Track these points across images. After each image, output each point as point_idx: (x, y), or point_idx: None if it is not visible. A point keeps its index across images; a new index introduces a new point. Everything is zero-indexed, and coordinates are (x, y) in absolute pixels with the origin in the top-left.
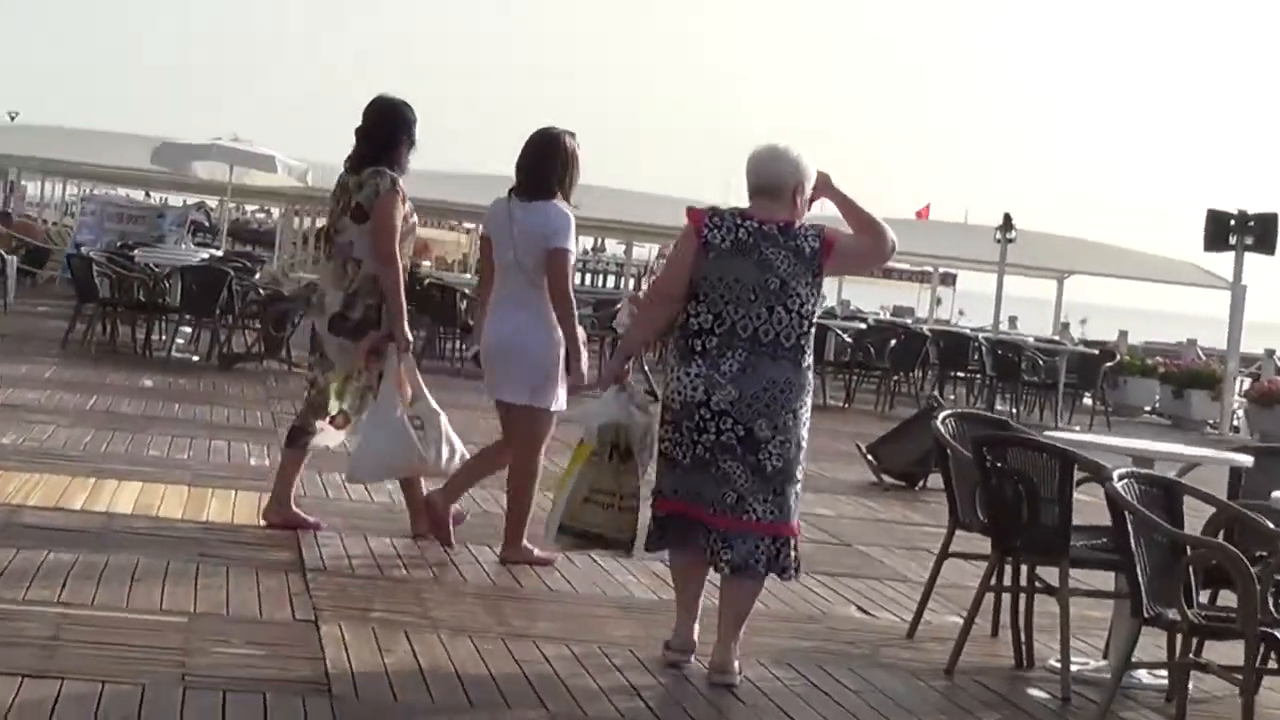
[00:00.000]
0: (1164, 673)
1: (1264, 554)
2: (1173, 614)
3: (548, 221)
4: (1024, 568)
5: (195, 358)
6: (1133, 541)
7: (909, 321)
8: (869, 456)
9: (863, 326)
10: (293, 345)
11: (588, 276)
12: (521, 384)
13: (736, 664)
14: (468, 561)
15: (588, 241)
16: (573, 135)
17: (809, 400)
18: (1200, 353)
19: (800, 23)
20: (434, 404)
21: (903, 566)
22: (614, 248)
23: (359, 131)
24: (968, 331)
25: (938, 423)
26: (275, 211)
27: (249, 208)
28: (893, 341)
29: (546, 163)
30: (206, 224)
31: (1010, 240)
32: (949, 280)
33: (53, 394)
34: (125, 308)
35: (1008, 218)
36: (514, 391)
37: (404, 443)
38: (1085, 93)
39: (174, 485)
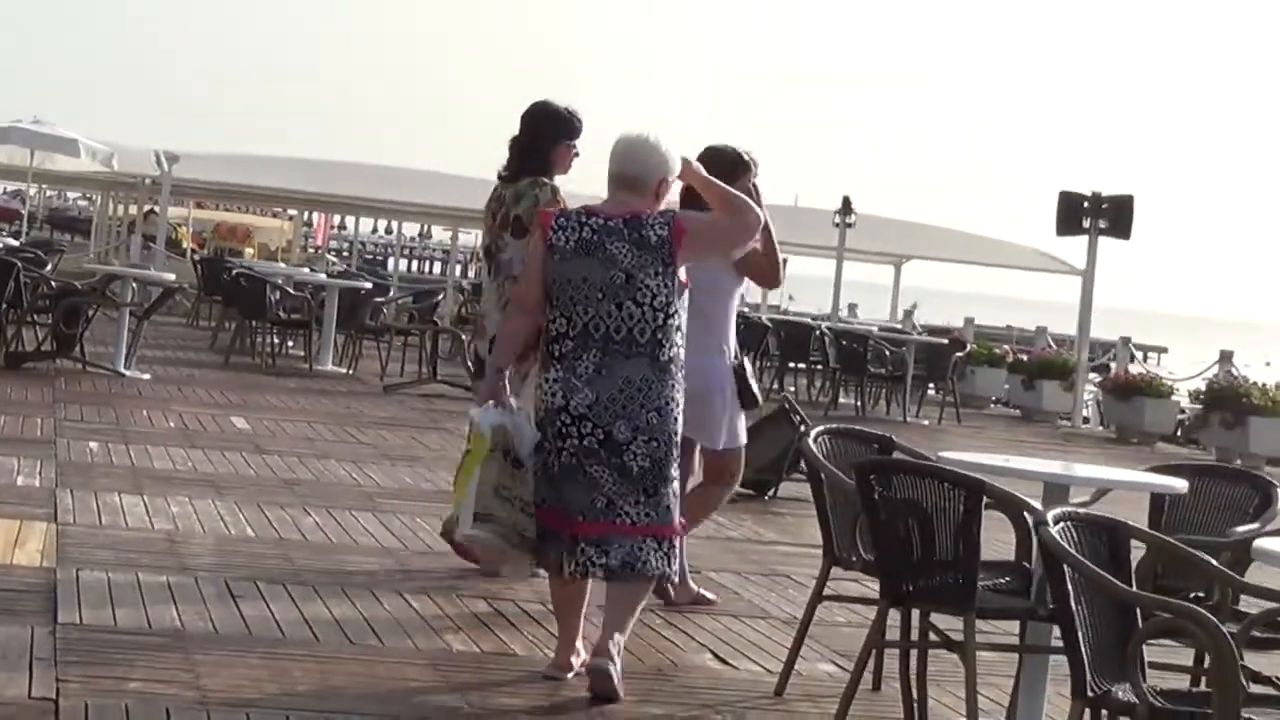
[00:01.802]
0: None
1: (1199, 594)
2: (1123, 693)
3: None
4: (914, 613)
5: None
6: (1073, 603)
7: (746, 310)
8: None
9: None
10: (87, 341)
11: (414, 264)
12: (699, 427)
13: (615, 653)
14: (251, 603)
15: (412, 229)
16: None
17: (678, 396)
18: (1050, 340)
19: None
20: None
21: (761, 599)
22: (440, 234)
23: (513, 141)
24: (809, 321)
25: (810, 443)
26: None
27: (70, 194)
28: None
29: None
30: (23, 211)
31: (850, 224)
32: None
33: None
34: None
35: (847, 201)
36: (694, 434)
37: None
38: (924, 75)
39: None
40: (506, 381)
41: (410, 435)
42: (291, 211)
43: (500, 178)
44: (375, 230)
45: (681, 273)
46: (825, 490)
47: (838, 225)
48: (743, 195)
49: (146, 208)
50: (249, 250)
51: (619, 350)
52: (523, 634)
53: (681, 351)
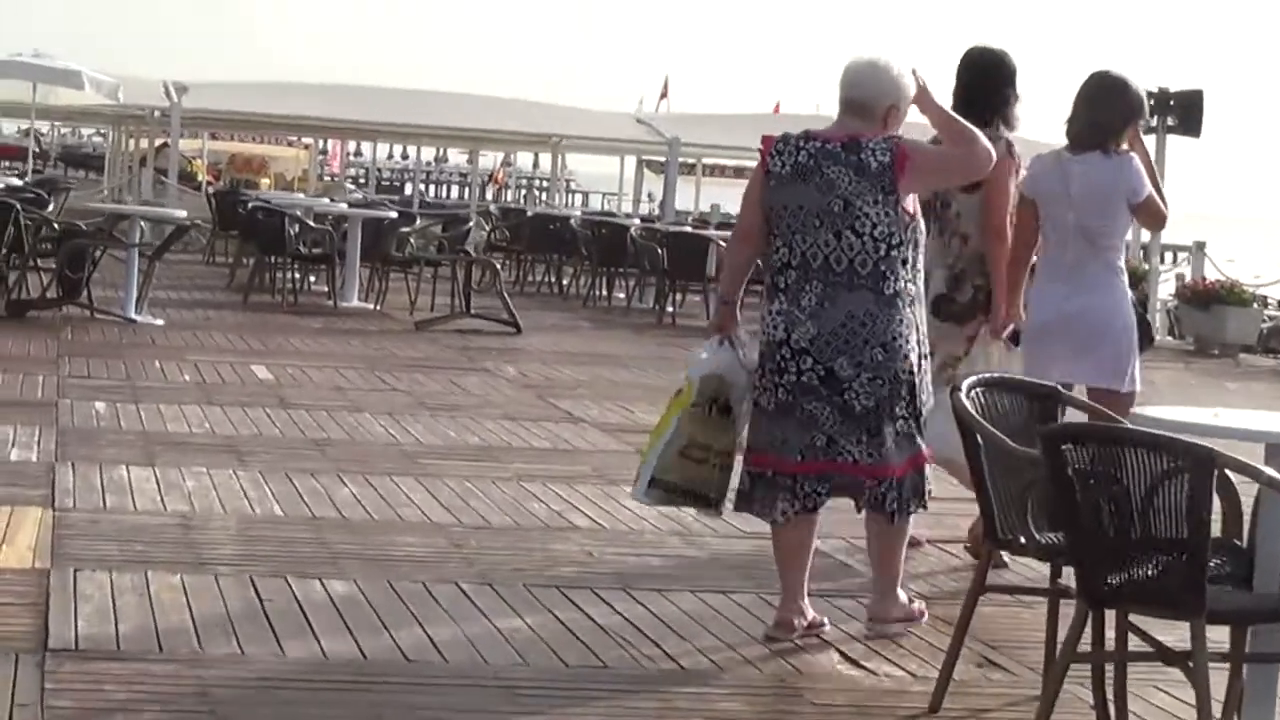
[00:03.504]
0: None
1: None
2: None
3: (1123, 178)
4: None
5: None
6: None
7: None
8: None
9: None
10: (95, 285)
11: (431, 188)
12: (1101, 364)
13: (894, 611)
14: (283, 610)
15: (428, 153)
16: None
17: (907, 330)
18: None
19: None
20: None
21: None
22: (455, 157)
23: (959, 89)
24: None
25: (963, 398)
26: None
27: (85, 131)
28: None
29: (1106, 111)
30: (37, 149)
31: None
32: None
33: None
34: None
35: None
36: (1092, 373)
37: None
38: None
39: None
40: (736, 313)
41: (448, 379)
42: (307, 140)
43: None
44: (390, 155)
45: (908, 202)
46: (984, 457)
47: None
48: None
49: (159, 141)
50: (265, 181)
51: (840, 282)
52: (613, 638)
53: (910, 286)
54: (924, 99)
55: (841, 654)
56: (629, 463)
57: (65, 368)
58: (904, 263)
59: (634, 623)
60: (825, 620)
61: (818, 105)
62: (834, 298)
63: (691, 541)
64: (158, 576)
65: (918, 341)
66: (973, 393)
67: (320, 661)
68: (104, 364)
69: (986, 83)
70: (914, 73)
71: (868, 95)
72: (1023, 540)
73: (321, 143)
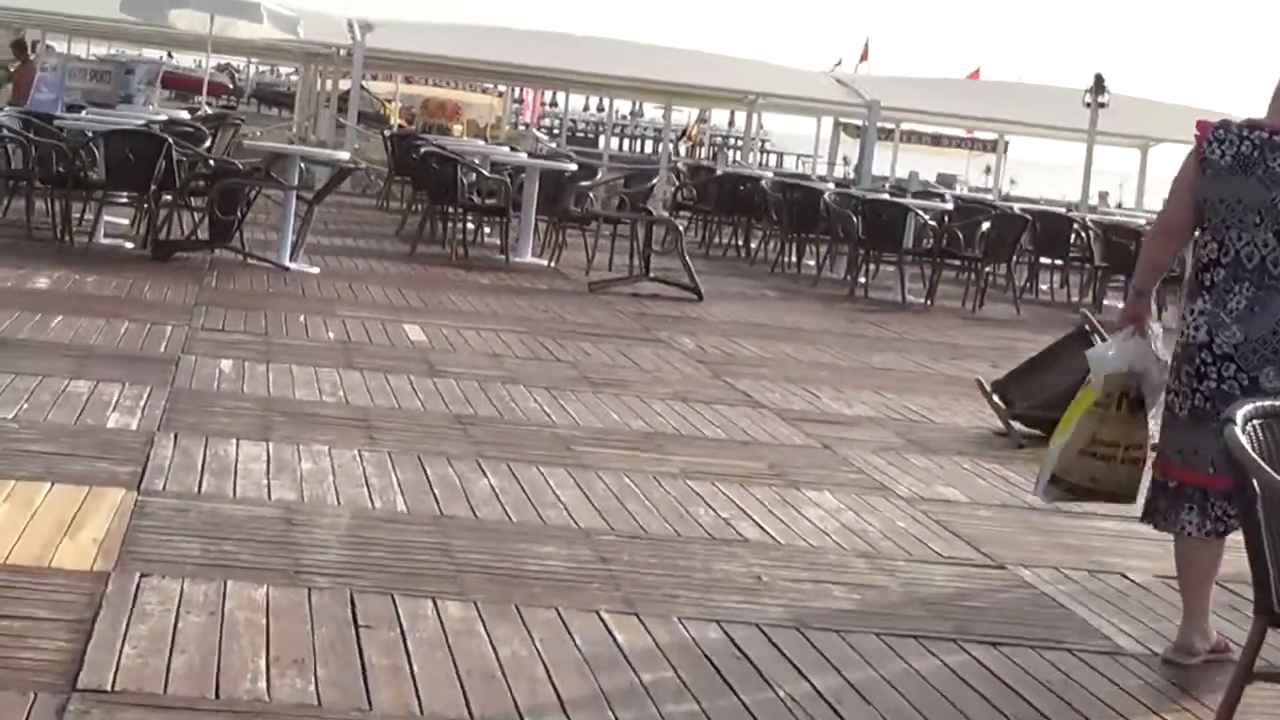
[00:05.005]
0: None
1: None
2: None
3: None
4: None
5: (129, 244)
6: None
7: (992, 198)
8: (995, 397)
9: (947, 207)
10: (259, 228)
11: (625, 142)
12: None
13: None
14: (380, 643)
15: (624, 106)
16: None
17: None
18: None
19: None
20: None
21: (1097, 613)
22: (652, 111)
23: None
24: (1062, 211)
25: (1236, 433)
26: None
27: (283, 69)
28: (984, 225)
29: None
30: (231, 85)
31: (1102, 104)
32: (991, 147)
33: None
34: (42, 182)
35: (1099, 79)
36: None
37: None
38: None
39: None
40: (1152, 304)
41: (618, 349)
42: (502, 87)
43: None
44: (586, 107)
45: None
46: (1262, 509)
47: (1088, 105)
48: None
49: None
50: (457, 127)
51: (1275, 286)
52: (778, 697)
53: None
54: None
55: None
56: (811, 459)
57: (200, 318)
58: None
59: (806, 675)
60: (1229, 643)
61: (1019, 74)
62: (1265, 301)
63: (880, 566)
64: (238, 589)
65: None
66: (1250, 425)
67: (410, 716)
68: (242, 316)
69: None
70: None
71: None
72: None
73: (517, 90)
